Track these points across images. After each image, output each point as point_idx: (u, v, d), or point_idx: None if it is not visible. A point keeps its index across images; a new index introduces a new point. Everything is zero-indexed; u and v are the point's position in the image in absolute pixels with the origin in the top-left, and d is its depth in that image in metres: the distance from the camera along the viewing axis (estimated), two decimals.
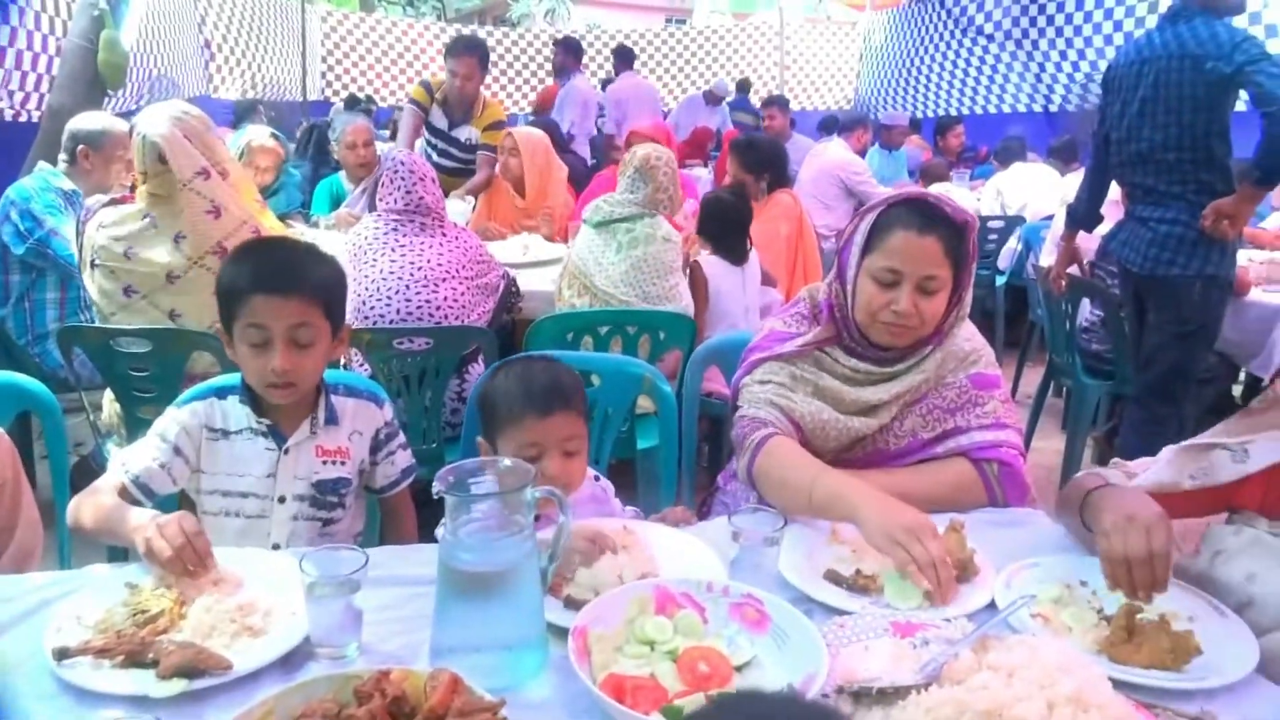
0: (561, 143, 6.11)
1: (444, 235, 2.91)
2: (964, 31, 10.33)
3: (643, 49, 13.82)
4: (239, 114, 7.45)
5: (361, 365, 2.79)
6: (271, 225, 2.75)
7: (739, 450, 1.74)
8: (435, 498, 1.17)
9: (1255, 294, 3.68)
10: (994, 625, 1.21)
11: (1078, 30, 8.47)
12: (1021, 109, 9.69)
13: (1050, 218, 5.08)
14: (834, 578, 1.41)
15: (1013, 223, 5.73)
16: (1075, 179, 4.10)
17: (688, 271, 3.26)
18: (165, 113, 2.50)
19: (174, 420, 1.67)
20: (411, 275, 2.80)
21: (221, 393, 1.72)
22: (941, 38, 10.88)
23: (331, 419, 1.73)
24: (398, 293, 2.79)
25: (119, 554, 2.00)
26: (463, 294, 2.86)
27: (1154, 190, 3.27)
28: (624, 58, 8.79)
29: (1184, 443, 1.51)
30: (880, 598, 1.37)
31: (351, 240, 2.96)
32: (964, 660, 1.12)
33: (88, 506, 1.54)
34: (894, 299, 1.64)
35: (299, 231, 3.82)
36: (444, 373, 2.72)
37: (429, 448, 2.74)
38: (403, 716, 1.01)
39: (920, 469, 1.72)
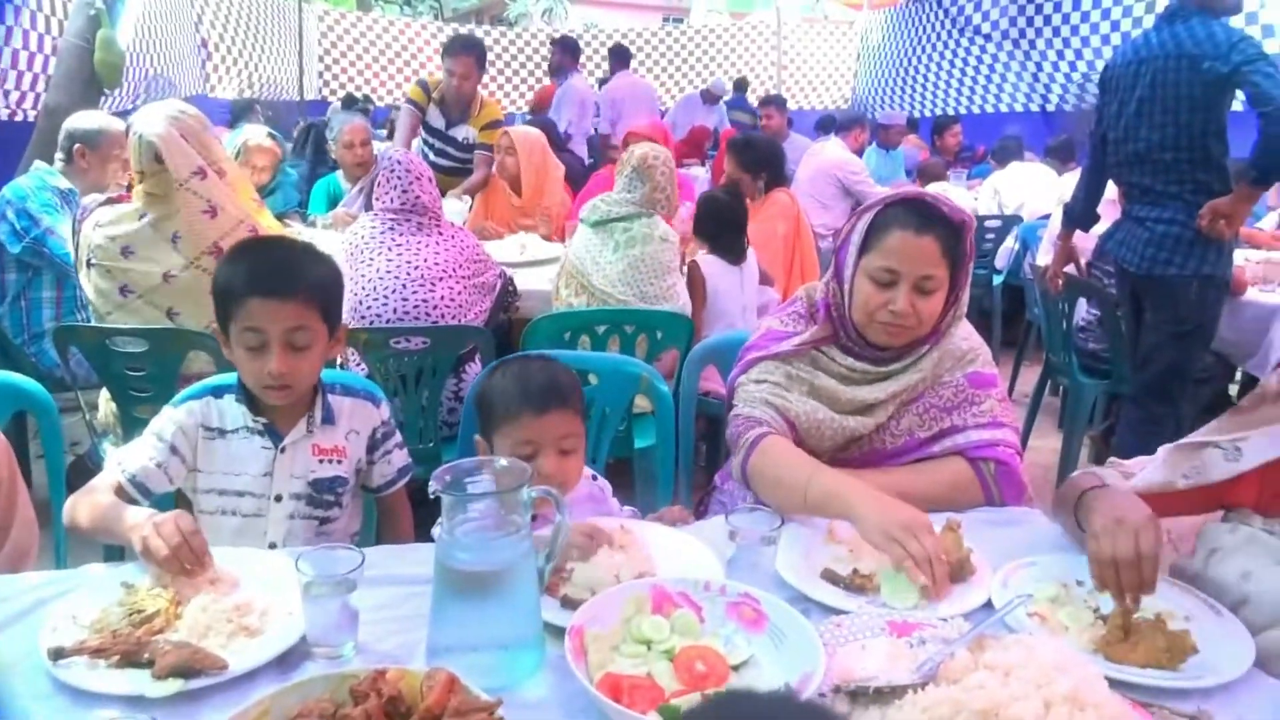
0: (559, 142, 6.11)
1: (440, 234, 2.90)
2: (961, 31, 10.34)
3: (640, 48, 13.82)
4: (236, 113, 7.45)
5: (358, 365, 2.79)
6: (269, 224, 2.75)
7: (733, 449, 1.74)
8: (432, 497, 1.17)
9: (1251, 294, 3.69)
10: (991, 624, 1.21)
11: (1075, 30, 8.48)
12: (1019, 108, 9.70)
13: (1047, 217, 5.09)
14: (831, 577, 1.41)
15: (1010, 222, 5.73)
16: (1072, 179, 4.10)
17: (685, 271, 3.26)
18: (162, 112, 2.50)
19: (170, 419, 1.67)
20: (408, 275, 2.80)
21: (218, 391, 1.72)
22: (939, 37, 10.89)
23: (328, 418, 1.73)
24: (394, 292, 2.79)
25: (115, 554, 2.00)
26: (459, 293, 2.85)
27: (1151, 190, 3.27)
28: (620, 57, 8.78)
29: (1177, 442, 1.51)
30: (877, 597, 1.37)
31: (348, 239, 2.96)
32: (960, 659, 1.12)
33: (84, 505, 1.54)
34: (891, 299, 1.64)
35: (296, 231, 3.82)
36: (441, 372, 2.72)
37: (426, 447, 2.74)
38: (399, 716, 1.01)
39: (917, 468, 1.72)
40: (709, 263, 3.35)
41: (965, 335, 1.79)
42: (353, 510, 1.81)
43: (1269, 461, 1.40)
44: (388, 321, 2.77)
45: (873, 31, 13.20)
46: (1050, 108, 9.23)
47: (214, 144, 2.62)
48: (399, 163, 2.92)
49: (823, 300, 1.77)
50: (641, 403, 2.64)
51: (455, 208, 4.32)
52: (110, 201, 2.70)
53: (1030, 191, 6.01)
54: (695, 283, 3.28)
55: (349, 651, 1.21)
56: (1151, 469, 1.51)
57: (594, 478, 1.80)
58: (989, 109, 10.25)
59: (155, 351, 2.47)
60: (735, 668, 1.16)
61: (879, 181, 6.10)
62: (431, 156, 4.89)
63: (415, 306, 2.78)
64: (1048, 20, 8.84)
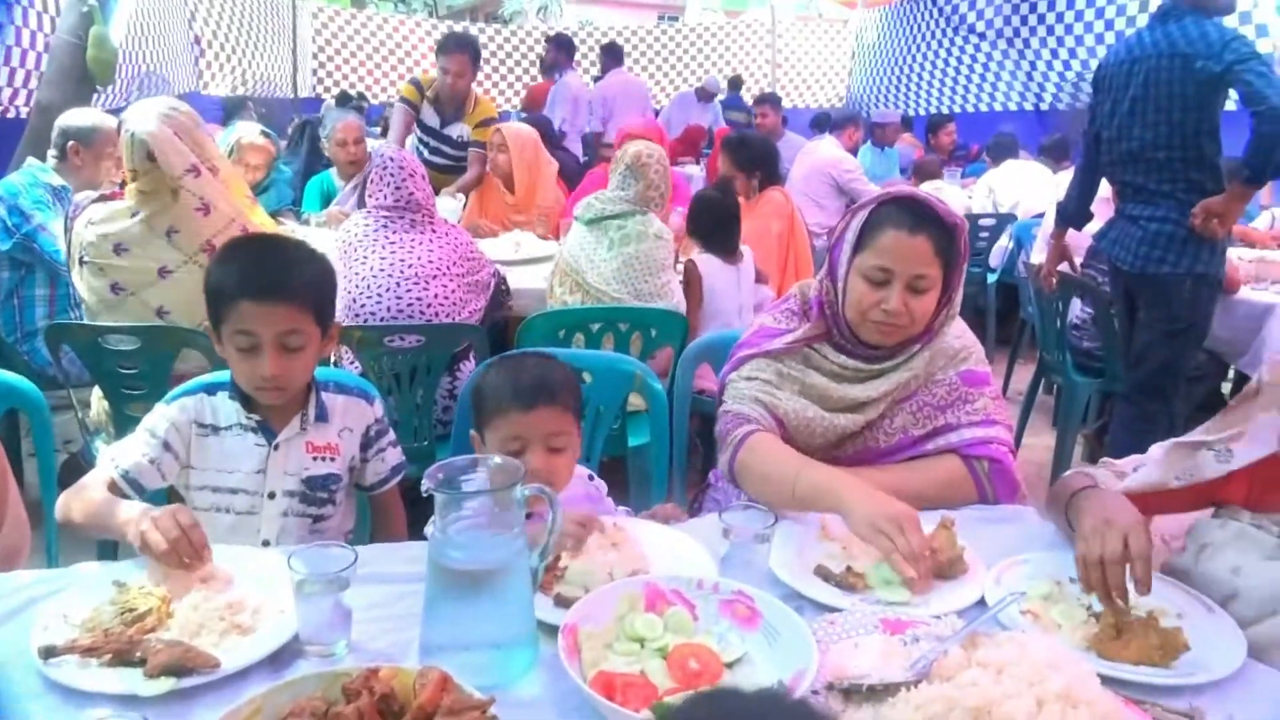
0: (554, 139, 6.10)
1: (434, 232, 2.90)
2: (955, 30, 10.35)
3: (635, 46, 13.81)
4: (228, 110, 7.44)
5: (352, 363, 2.78)
6: (262, 222, 2.74)
7: (721, 445, 1.74)
8: (425, 495, 1.16)
9: (1244, 292, 3.70)
10: (984, 622, 1.22)
11: (1069, 29, 8.50)
12: (1013, 107, 9.72)
13: (1042, 215, 5.09)
14: (824, 574, 1.41)
15: (1004, 220, 5.74)
16: (1066, 177, 4.11)
17: (680, 270, 3.26)
18: (154, 110, 2.49)
19: (163, 416, 1.67)
20: (402, 272, 2.79)
21: (211, 389, 1.71)
22: (933, 35, 10.90)
23: (322, 415, 1.72)
24: (388, 290, 2.78)
25: (108, 552, 2.00)
26: (454, 291, 2.85)
27: (1144, 189, 3.28)
28: (612, 55, 8.77)
29: (1172, 440, 1.52)
30: (870, 594, 1.37)
31: (341, 237, 2.95)
32: (954, 657, 1.12)
33: (77, 501, 1.54)
34: (884, 298, 1.64)
35: (290, 229, 3.81)
36: (435, 370, 2.71)
37: (420, 445, 2.73)
38: (391, 715, 1.00)
39: (910, 466, 1.73)
40: (705, 261, 3.35)
41: (958, 333, 1.79)
42: (346, 508, 1.81)
43: (1258, 459, 1.40)
44: (381, 319, 2.76)
45: (867, 30, 13.21)
46: (1044, 106, 9.25)
47: (207, 141, 2.61)
48: (392, 159, 2.91)
49: (816, 298, 1.77)
50: (636, 401, 2.63)
51: (449, 206, 4.31)
52: (103, 198, 2.69)
53: (1025, 190, 6.02)
54: (692, 282, 3.28)
55: (341, 650, 1.21)
56: (1149, 467, 1.51)
57: (590, 477, 1.80)
58: (983, 108, 10.27)
59: (148, 349, 2.46)
60: (729, 665, 1.16)
61: (874, 180, 6.11)
62: (426, 155, 4.88)
63: (409, 304, 2.78)
64: (1042, 19, 8.85)
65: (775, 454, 1.65)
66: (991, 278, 5.70)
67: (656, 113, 9.46)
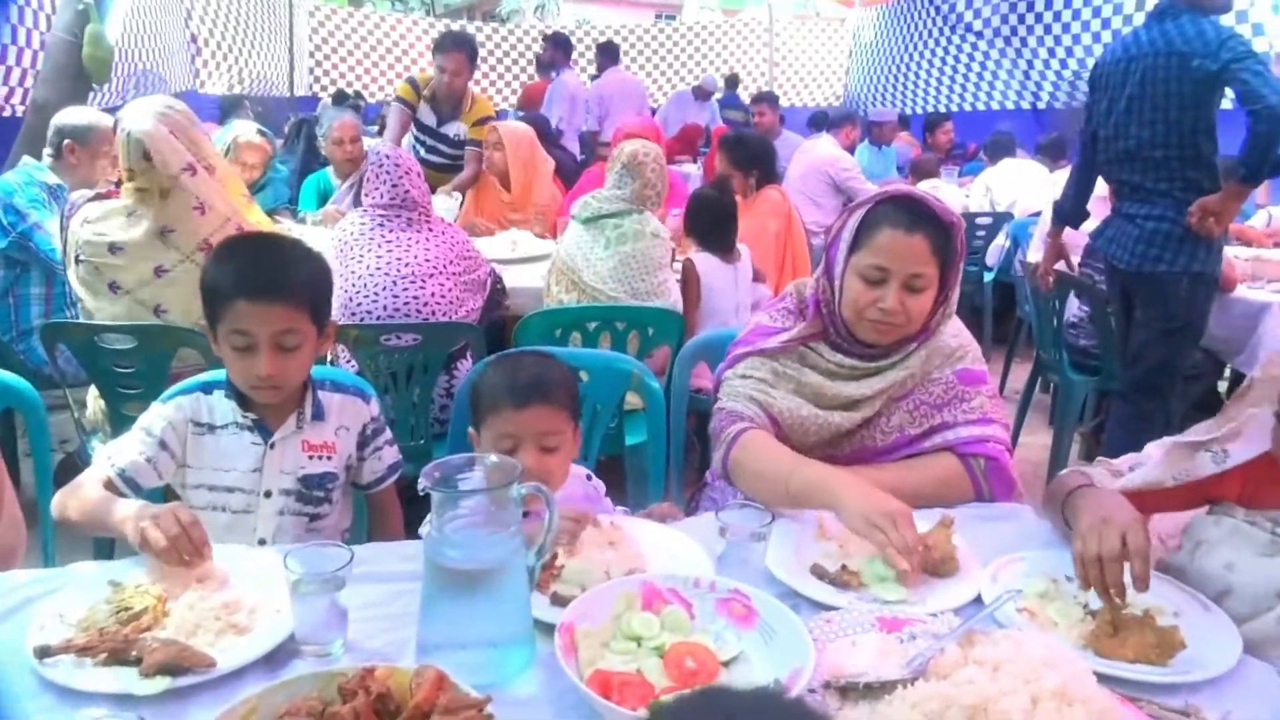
0: (551, 138, 6.10)
1: (431, 230, 2.89)
2: (953, 28, 10.35)
3: (632, 44, 13.82)
4: (225, 109, 7.42)
5: (348, 361, 2.77)
6: (258, 221, 2.74)
7: (715, 443, 1.74)
8: (421, 494, 1.16)
9: (1241, 290, 3.70)
10: (980, 620, 1.22)
11: (1066, 28, 8.50)
12: (1010, 106, 9.72)
13: (1038, 214, 5.09)
14: (819, 572, 1.41)
15: (1001, 219, 5.74)
16: (1063, 176, 4.11)
17: (677, 268, 3.26)
18: (150, 108, 2.48)
19: (160, 415, 1.66)
20: (399, 271, 2.79)
21: (207, 387, 1.71)
22: (930, 34, 10.90)
23: (318, 414, 1.72)
24: (385, 288, 2.78)
25: (104, 552, 2.00)
26: (450, 289, 2.85)
27: (1141, 187, 3.28)
28: (609, 54, 8.77)
29: (1171, 440, 1.52)
30: (867, 592, 1.37)
31: (338, 236, 2.94)
32: (950, 655, 1.12)
33: (73, 499, 1.54)
34: (880, 296, 1.64)
35: (286, 227, 3.80)
36: (432, 369, 2.71)
37: (416, 444, 2.73)
38: (388, 714, 1.00)
39: (908, 464, 1.73)
40: (703, 260, 3.35)
41: (955, 332, 1.79)
42: (343, 507, 1.80)
43: (1250, 458, 1.41)
44: (378, 318, 2.76)
45: (864, 28, 13.21)
46: (1041, 105, 9.26)
47: (203, 140, 2.61)
48: (388, 157, 2.90)
49: (812, 297, 1.77)
50: (633, 399, 2.64)
51: (446, 204, 4.30)
52: (99, 197, 2.68)
53: (1022, 188, 6.02)
54: (689, 280, 3.28)
55: (337, 649, 1.21)
56: (1149, 466, 1.52)
57: (589, 477, 1.79)
58: (980, 106, 10.27)
59: (144, 348, 2.46)
60: (725, 664, 1.16)
61: (871, 178, 6.10)
62: (423, 153, 4.88)
63: (406, 303, 2.78)
64: (1039, 18, 8.86)
65: (769, 451, 1.65)
66: (988, 276, 5.70)
67: (653, 111, 9.45)
